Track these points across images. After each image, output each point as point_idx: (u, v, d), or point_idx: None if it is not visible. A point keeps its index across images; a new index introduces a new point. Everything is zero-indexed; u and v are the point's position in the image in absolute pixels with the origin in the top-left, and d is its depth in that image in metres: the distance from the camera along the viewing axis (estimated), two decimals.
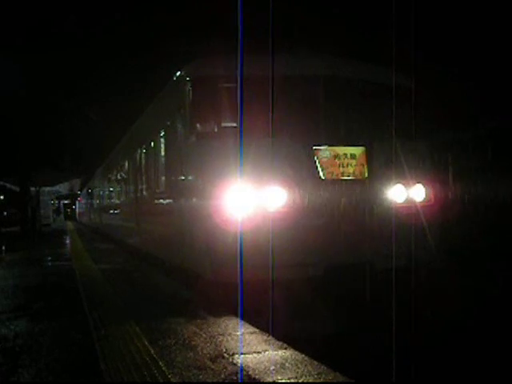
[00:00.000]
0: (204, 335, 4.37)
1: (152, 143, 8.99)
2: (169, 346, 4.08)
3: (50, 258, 11.80)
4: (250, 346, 3.98)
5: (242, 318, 4.65)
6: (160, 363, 3.65)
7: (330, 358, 3.63)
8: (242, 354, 3.81)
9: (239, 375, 3.34)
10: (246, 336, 4.29)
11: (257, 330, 4.43)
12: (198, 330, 4.54)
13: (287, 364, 3.55)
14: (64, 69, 12.66)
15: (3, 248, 15.64)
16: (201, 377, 3.34)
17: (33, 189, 33.03)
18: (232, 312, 4.97)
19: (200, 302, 5.82)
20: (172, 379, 3.31)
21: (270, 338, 4.20)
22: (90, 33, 10.88)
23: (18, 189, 28.38)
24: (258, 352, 3.83)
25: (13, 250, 14.51)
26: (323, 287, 5.30)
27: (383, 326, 4.60)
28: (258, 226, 5.10)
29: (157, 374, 3.43)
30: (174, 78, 6.78)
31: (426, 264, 5.88)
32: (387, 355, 4.13)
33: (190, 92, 6.01)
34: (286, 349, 3.91)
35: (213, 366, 3.55)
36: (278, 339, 4.14)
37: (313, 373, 3.38)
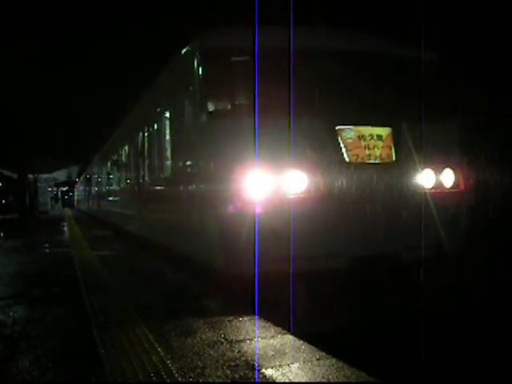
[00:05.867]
0: (204, 322, 4.35)
1: (156, 125, 8.51)
2: (167, 332, 4.07)
3: (48, 245, 11.78)
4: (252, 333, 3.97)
5: (258, 314, 4.32)
6: (159, 349, 3.66)
7: (345, 354, 3.40)
8: (257, 339, 3.78)
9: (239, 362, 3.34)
10: (249, 324, 4.26)
11: (268, 324, 4.20)
12: (199, 319, 4.51)
13: (286, 350, 3.54)
14: (62, 51, 12.46)
15: (1, 235, 15.64)
16: (199, 362, 3.34)
17: (30, 176, 33.01)
18: (236, 300, 4.85)
19: (206, 291, 5.68)
20: (170, 365, 3.31)
21: (271, 324, 4.15)
22: (88, 11, 10.64)
23: (15, 176, 28.34)
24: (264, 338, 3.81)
25: (11, 237, 14.50)
26: (347, 280, 4.86)
27: (408, 324, 4.43)
28: (276, 214, 4.73)
29: (155, 360, 3.43)
30: (182, 52, 6.30)
31: (454, 254, 5.51)
32: (409, 354, 3.98)
33: (201, 66, 5.54)
34: (301, 341, 3.75)
35: (211, 352, 3.56)
36: (299, 338, 3.86)
37: (312, 359, 3.37)
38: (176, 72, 6.85)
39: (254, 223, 4.56)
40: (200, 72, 5.54)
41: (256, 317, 4.35)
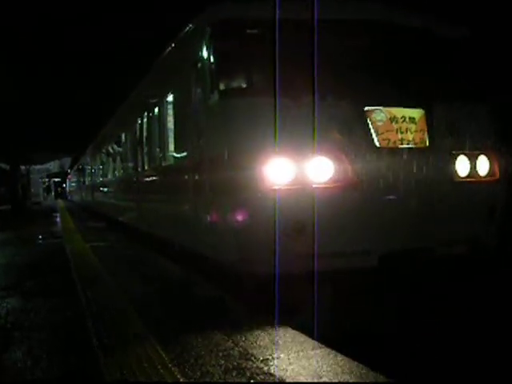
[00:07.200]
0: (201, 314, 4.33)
1: (157, 109, 7.84)
2: (162, 322, 4.07)
3: (41, 237, 11.71)
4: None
5: (279, 318, 3.86)
6: (153, 341, 3.64)
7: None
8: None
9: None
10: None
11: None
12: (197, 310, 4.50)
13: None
14: (59, 44, 12.23)
15: None
16: (193, 353, 3.34)
17: (23, 167, 32.87)
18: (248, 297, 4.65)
19: (211, 285, 5.48)
20: (165, 357, 3.31)
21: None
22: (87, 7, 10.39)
23: (7, 167, 28.20)
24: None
25: (3, 229, 14.42)
26: (377, 280, 4.50)
27: (446, 328, 4.21)
28: (299, 205, 4.26)
29: (148, 350, 3.42)
30: (190, 26, 5.77)
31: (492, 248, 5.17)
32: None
33: (212, 40, 4.99)
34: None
35: (205, 342, 3.55)
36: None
37: (307, 349, 3.38)
38: (182, 48, 6.30)
39: (275, 216, 4.12)
40: (212, 45, 5.02)
41: (275, 319, 3.90)
